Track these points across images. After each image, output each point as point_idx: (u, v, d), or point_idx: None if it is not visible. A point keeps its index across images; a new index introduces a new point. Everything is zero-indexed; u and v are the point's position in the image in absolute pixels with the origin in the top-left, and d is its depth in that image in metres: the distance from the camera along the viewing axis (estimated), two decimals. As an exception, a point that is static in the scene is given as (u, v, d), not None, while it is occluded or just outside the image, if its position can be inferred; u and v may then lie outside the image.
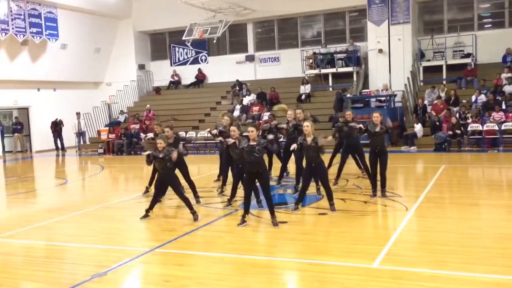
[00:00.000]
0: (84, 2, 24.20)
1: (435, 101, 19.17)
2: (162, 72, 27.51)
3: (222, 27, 22.78)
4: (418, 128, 18.34)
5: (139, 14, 26.67)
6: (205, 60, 26.86)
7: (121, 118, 25.04)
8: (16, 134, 24.05)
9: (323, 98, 22.34)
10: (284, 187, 11.06)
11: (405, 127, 19.13)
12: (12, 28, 21.77)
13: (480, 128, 17.15)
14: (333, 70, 22.83)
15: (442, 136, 17.23)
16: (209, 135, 11.03)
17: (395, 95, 20.46)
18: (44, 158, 22.47)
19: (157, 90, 27.15)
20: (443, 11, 22.41)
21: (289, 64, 24.27)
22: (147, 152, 8.50)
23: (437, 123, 17.86)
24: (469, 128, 17.29)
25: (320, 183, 9.42)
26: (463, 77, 20.49)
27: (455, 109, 18.63)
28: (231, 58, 26.09)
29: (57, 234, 8.39)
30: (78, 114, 24.34)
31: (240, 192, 9.19)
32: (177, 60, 27.52)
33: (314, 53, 23.26)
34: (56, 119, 24.05)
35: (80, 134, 24.57)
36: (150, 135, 12.55)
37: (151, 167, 10.08)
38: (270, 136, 10.53)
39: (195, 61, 27.05)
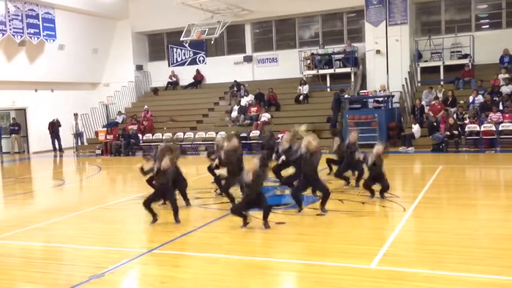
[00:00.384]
0: (81, 3, 24.19)
1: (433, 102, 19.21)
2: (160, 73, 27.49)
3: (220, 28, 22.78)
4: (415, 128, 18.36)
5: (137, 15, 26.64)
6: (203, 61, 26.86)
7: (119, 119, 25.01)
8: (13, 135, 23.98)
9: (321, 99, 22.35)
10: (282, 187, 11.03)
11: (403, 128, 19.16)
12: (10, 29, 21.74)
13: (478, 128, 17.18)
14: (331, 71, 22.84)
15: (440, 137, 17.25)
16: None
17: (392, 96, 20.49)
18: (42, 159, 22.43)
19: (155, 91, 27.13)
20: (441, 12, 22.45)
21: (287, 64, 24.28)
22: (139, 165, 8.60)
23: (435, 124, 17.90)
24: (466, 129, 17.32)
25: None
26: (460, 78, 20.53)
27: (453, 109, 18.66)
28: (229, 59, 26.08)
29: (54, 235, 8.37)
30: (75, 115, 24.30)
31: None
32: (175, 61, 27.51)
33: (312, 54, 23.27)
34: (54, 119, 24.00)
35: (78, 135, 24.54)
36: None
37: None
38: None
39: (193, 62, 27.04)
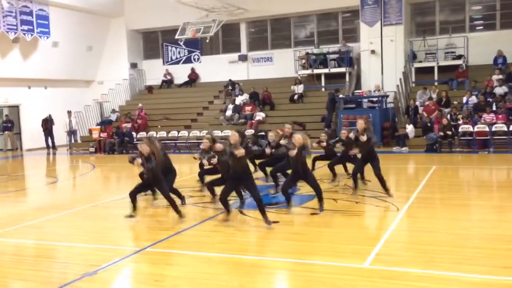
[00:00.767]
0: (75, 0, 24.08)
1: (427, 102, 19.28)
2: (154, 71, 27.42)
3: (215, 26, 22.76)
4: (409, 129, 18.43)
5: (132, 13, 26.56)
6: (198, 59, 26.82)
7: (113, 117, 24.93)
8: (6, 132, 23.87)
9: (316, 99, 22.38)
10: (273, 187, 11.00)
11: (397, 128, 19.21)
12: (3, 26, 21.62)
13: (471, 129, 17.26)
14: (326, 70, 22.87)
15: (433, 137, 17.32)
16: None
17: (387, 96, 20.55)
18: (35, 156, 22.33)
19: (150, 89, 27.06)
20: (435, 13, 22.53)
21: (282, 64, 24.29)
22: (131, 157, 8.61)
23: (429, 124, 17.96)
24: (460, 129, 17.40)
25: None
26: (454, 79, 20.62)
27: (446, 110, 18.74)
28: (224, 57, 26.06)
29: (47, 233, 8.33)
30: (69, 112, 24.20)
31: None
32: (169, 59, 27.46)
33: (307, 53, 23.29)
34: (47, 116, 23.87)
35: (71, 132, 24.44)
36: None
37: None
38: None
39: (188, 60, 27.00)
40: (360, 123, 9.52)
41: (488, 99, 18.56)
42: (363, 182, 10.78)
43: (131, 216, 8.61)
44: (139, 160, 8.31)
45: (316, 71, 23.03)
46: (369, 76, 21.95)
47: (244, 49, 25.75)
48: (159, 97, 26.37)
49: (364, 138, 9.31)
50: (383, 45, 21.62)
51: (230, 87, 24.27)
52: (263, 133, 12.31)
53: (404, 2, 21.44)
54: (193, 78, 26.57)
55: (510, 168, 14.05)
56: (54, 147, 24.02)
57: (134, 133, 22.28)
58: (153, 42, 28.13)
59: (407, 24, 22.06)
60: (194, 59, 26.91)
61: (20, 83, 23.56)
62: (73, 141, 24.47)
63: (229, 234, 7.66)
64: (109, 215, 9.47)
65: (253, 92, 23.01)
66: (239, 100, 22.95)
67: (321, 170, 12.34)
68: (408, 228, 7.95)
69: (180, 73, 26.81)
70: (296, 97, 22.44)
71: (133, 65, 27.45)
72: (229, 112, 22.40)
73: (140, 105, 24.32)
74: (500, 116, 17.42)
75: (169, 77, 27.02)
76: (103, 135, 22.34)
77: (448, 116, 17.99)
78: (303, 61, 23.36)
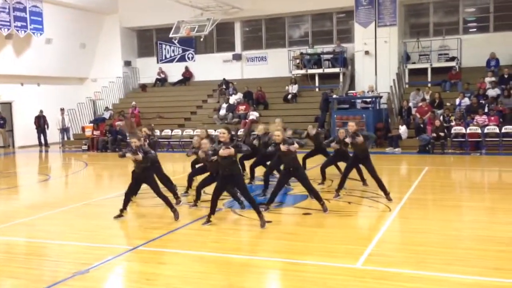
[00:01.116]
0: (70, -4, 24.00)
1: (420, 104, 19.35)
2: (148, 69, 27.34)
3: (209, 25, 22.71)
4: (402, 130, 18.49)
5: (126, 10, 26.46)
6: (192, 58, 26.77)
7: (106, 115, 24.83)
8: (-2, 129, 23.72)
9: (309, 99, 22.41)
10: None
11: (390, 129, 19.27)
12: (-4, 22, 21.49)
13: (464, 131, 17.34)
14: (320, 70, 22.90)
15: (426, 138, 17.39)
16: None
17: (380, 97, 20.62)
18: (27, 153, 22.20)
19: (143, 87, 26.98)
20: (429, 15, 22.61)
21: (276, 63, 24.30)
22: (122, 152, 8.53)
23: (422, 125, 18.04)
24: (452, 131, 17.48)
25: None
26: (447, 80, 20.71)
27: (439, 111, 18.83)
28: (218, 56, 26.03)
29: (39, 231, 8.29)
30: (62, 110, 24.09)
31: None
32: (163, 58, 27.38)
33: (301, 53, 23.31)
34: (39, 113, 23.73)
35: (64, 130, 24.32)
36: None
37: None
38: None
39: (182, 59, 26.94)
40: (351, 125, 9.53)
41: (480, 101, 18.65)
42: (363, 184, 10.81)
43: (119, 216, 8.57)
44: (129, 154, 8.27)
45: (310, 71, 23.04)
46: (363, 76, 22.01)
47: (238, 48, 25.73)
48: (153, 95, 26.29)
49: (360, 139, 9.31)
50: (377, 46, 21.68)
51: (224, 86, 24.25)
52: (255, 133, 12.31)
53: (398, 4, 21.51)
54: (187, 76, 26.52)
55: (501, 170, 14.13)
56: (46, 144, 23.90)
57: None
58: (147, 40, 28.04)
59: (401, 26, 22.13)
60: (188, 58, 26.86)
61: (13, 79, 23.41)
62: (65, 138, 24.35)
63: (221, 233, 7.66)
64: (102, 213, 9.44)
65: (247, 91, 23.00)
66: (233, 99, 22.93)
67: (313, 170, 12.35)
68: (400, 228, 7.98)
69: (174, 72, 26.75)
70: (290, 96, 22.46)
71: (127, 63, 27.36)
72: (222, 111, 22.38)
73: (133, 103, 24.24)
74: (492, 118, 17.52)
75: (163, 76, 26.94)
76: (96, 133, 22.26)
77: (441, 118, 18.07)
78: (297, 61, 23.38)
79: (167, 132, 21.90)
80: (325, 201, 8.78)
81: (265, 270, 6.13)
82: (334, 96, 20.76)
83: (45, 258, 6.89)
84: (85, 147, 22.30)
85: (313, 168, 12.53)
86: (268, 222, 7.97)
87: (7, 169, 17.11)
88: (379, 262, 6.09)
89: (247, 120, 21.06)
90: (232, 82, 24.20)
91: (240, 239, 7.63)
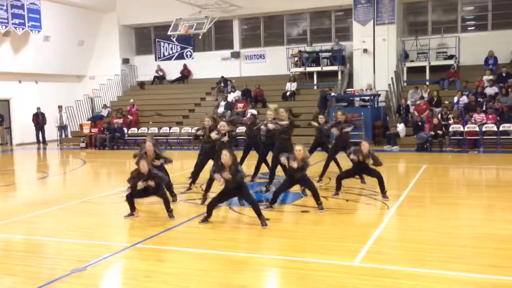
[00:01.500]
0: (68, -6, 23.94)
1: (418, 102, 19.37)
2: (146, 67, 27.30)
3: (208, 23, 22.69)
4: (400, 128, 18.50)
5: (124, 8, 26.42)
6: (190, 55, 26.73)
7: (104, 113, 24.81)
8: (-4, 126, 23.69)
9: (308, 96, 22.41)
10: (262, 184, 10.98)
11: (388, 127, 19.30)
12: (-6, 19, 21.44)
13: (461, 129, 17.37)
14: (318, 68, 22.90)
15: (424, 136, 17.42)
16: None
17: (378, 95, 20.64)
18: (25, 151, 22.17)
19: (141, 85, 26.95)
20: (428, 13, 22.62)
21: (275, 61, 24.29)
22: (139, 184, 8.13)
23: (420, 123, 18.06)
24: (450, 129, 17.50)
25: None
26: (445, 78, 20.73)
27: (437, 110, 18.84)
28: (216, 54, 26.01)
29: (37, 228, 8.28)
30: (60, 107, 24.06)
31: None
32: (162, 55, 27.33)
33: (300, 51, 23.30)
34: (37, 111, 23.69)
35: (62, 127, 24.29)
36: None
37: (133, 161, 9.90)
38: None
39: (180, 57, 26.89)
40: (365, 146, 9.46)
41: (478, 99, 18.68)
42: (361, 182, 10.82)
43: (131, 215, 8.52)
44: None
45: (308, 69, 23.05)
46: (361, 74, 22.01)
47: (236, 46, 25.71)
48: (151, 93, 26.26)
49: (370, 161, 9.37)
50: (375, 44, 21.68)
51: (222, 84, 24.23)
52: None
53: (397, 2, 21.50)
54: (185, 74, 26.50)
55: (499, 168, 14.16)
56: (44, 142, 23.87)
57: (125, 129, 22.19)
58: (146, 38, 28.00)
59: (399, 24, 22.13)
60: (187, 56, 26.82)
61: (11, 77, 23.36)
62: (63, 136, 24.33)
63: (220, 230, 7.66)
64: (100, 210, 9.44)
65: (245, 89, 22.99)
66: (231, 97, 22.92)
67: (312, 168, 12.34)
68: (398, 226, 7.99)
69: (172, 69, 26.74)
70: (288, 94, 22.45)
71: (125, 61, 27.31)
72: (221, 109, 22.36)
73: (131, 100, 24.22)
74: (490, 116, 17.54)
75: (161, 73, 26.91)
76: (94, 130, 22.24)
77: (439, 116, 18.09)
78: (296, 59, 23.38)
79: (165, 129, 21.88)
80: (324, 198, 8.81)
81: (264, 268, 6.14)
82: (333, 94, 20.77)
83: (43, 256, 6.88)
84: (83, 144, 22.27)
85: (313, 165, 12.52)
86: (267, 219, 7.97)
87: (5, 167, 17.07)
88: (377, 260, 6.10)
89: (245, 118, 21.04)
90: (230, 80, 24.18)
91: (238, 236, 7.63)
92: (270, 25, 25.38)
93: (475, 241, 6.88)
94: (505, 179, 12.91)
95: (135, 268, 6.21)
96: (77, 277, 5.78)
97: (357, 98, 20.69)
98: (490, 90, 19.06)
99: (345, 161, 10.87)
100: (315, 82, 23.10)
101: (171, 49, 27.02)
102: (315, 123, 11.62)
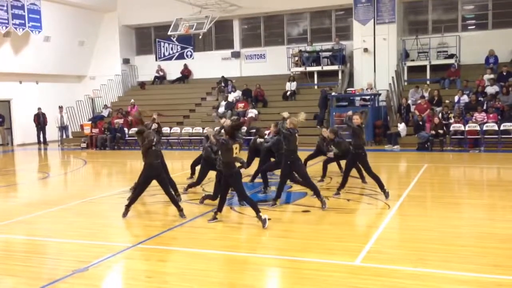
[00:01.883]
0: (68, -6, 23.94)
1: (419, 101, 19.36)
2: (147, 67, 27.30)
3: (208, 23, 22.68)
4: (401, 127, 18.49)
5: (124, 8, 26.43)
6: (191, 55, 26.73)
7: (105, 113, 24.81)
8: (-3, 127, 23.69)
9: (308, 96, 22.40)
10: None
11: (389, 126, 19.28)
12: (-5, 19, 21.45)
13: (462, 128, 17.36)
14: (319, 68, 22.89)
15: (425, 136, 17.41)
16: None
17: (379, 94, 20.62)
18: (26, 151, 22.18)
19: (142, 85, 26.95)
20: (428, 12, 22.60)
21: (275, 61, 24.28)
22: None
23: (420, 123, 18.05)
24: (451, 128, 17.49)
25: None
26: (446, 78, 20.71)
27: (438, 109, 18.83)
28: (216, 54, 26.01)
29: (38, 228, 8.29)
30: (60, 107, 24.06)
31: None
32: (162, 55, 27.33)
33: (300, 51, 23.30)
34: (38, 111, 23.69)
35: (63, 128, 24.30)
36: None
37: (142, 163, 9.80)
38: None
39: (181, 57, 26.90)
40: (356, 118, 9.50)
41: (479, 99, 18.67)
42: (362, 181, 10.82)
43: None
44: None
45: (309, 68, 23.04)
46: (361, 74, 22.00)
47: (237, 46, 25.71)
48: (152, 93, 26.26)
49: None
50: (375, 43, 21.67)
51: (222, 84, 24.23)
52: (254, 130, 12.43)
53: (397, 1, 21.49)
54: (186, 74, 26.50)
55: (500, 167, 14.16)
56: (45, 142, 23.88)
57: (126, 129, 22.19)
58: (146, 38, 28.00)
59: (400, 23, 22.11)
60: (187, 56, 26.82)
61: (11, 77, 23.37)
62: (64, 136, 24.33)
63: (221, 231, 7.66)
64: (101, 211, 9.44)
65: (246, 89, 22.99)
66: (231, 97, 22.92)
67: (313, 167, 12.35)
68: (399, 226, 7.99)
69: (173, 69, 26.74)
70: (288, 94, 22.45)
71: (126, 61, 27.32)
72: (221, 109, 22.36)
73: (132, 101, 24.22)
74: (491, 115, 17.53)
75: (161, 73, 26.91)
76: (95, 130, 22.24)
77: (440, 115, 18.08)
78: (296, 58, 23.37)
79: (166, 130, 21.84)
80: (326, 198, 8.81)
81: (265, 268, 6.14)
82: (333, 93, 20.76)
83: (44, 256, 6.89)
84: (83, 145, 22.28)
85: (313, 165, 12.52)
86: (268, 219, 7.97)
87: (6, 167, 17.08)
88: (378, 259, 6.10)
89: (246, 118, 21.05)
90: (231, 80, 24.18)
91: (239, 236, 7.64)
92: (271, 24, 25.37)
93: (477, 240, 6.88)
94: (506, 178, 12.91)
95: (136, 268, 6.21)
96: (79, 277, 5.78)
97: (358, 98, 20.68)
98: (491, 89, 19.04)
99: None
100: (315, 81, 23.09)
101: (172, 49, 27.02)
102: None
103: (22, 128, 24.19)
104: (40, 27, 23.48)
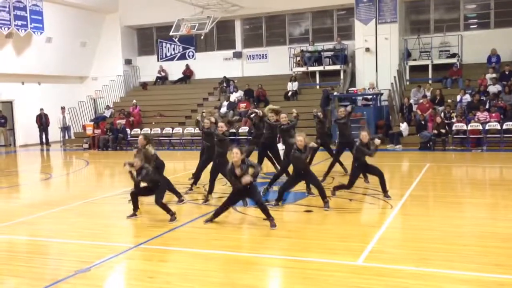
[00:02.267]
0: (70, -5, 23.98)
1: (421, 100, 19.34)
2: (149, 68, 27.34)
3: (209, 23, 22.67)
4: (403, 127, 18.47)
5: (126, 9, 26.46)
6: (193, 56, 26.75)
7: (107, 113, 24.84)
8: (-1, 128, 23.74)
9: (310, 96, 22.39)
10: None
11: (391, 126, 19.26)
12: (-3, 21, 21.49)
13: (465, 127, 17.33)
14: (321, 68, 22.89)
15: (427, 135, 17.38)
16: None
17: (381, 94, 20.60)
18: (28, 152, 22.23)
19: (144, 85, 26.98)
20: (430, 11, 22.58)
21: (277, 61, 24.28)
22: (129, 169, 8.16)
23: (423, 122, 18.02)
24: (453, 128, 17.46)
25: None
26: (448, 77, 20.69)
27: (440, 108, 18.81)
28: (218, 54, 26.02)
29: (40, 229, 8.30)
30: (63, 108, 24.10)
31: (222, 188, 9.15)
32: (164, 56, 27.36)
33: (302, 51, 23.29)
34: (41, 112, 23.73)
35: (65, 128, 24.35)
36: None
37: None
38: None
39: (183, 57, 26.93)
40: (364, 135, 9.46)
41: (481, 98, 18.64)
42: (365, 181, 10.80)
43: (134, 215, 8.52)
44: (128, 168, 8.13)
45: (310, 68, 23.03)
46: (363, 73, 21.99)
47: (239, 46, 25.71)
48: (154, 93, 26.28)
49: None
50: (377, 43, 21.66)
51: (224, 84, 24.24)
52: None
53: (399, 0, 21.47)
54: (188, 74, 26.51)
55: (503, 166, 14.12)
56: (47, 143, 23.93)
57: (128, 130, 22.22)
58: (148, 39, 28.03)
59: (401, 22, 22.09)
60: (189, 56, 26.84)
61: (14, 78, 23.42)
62: (66, 137, 24.38)
63: (223, 231, 7.66)
64: (103, 211, 9.45)
65: (247, 89, 22.99)
66: (233, 97, 22.93)
67: (317, 166, 12.34)
68: (401, 225, 7.98)
69: (175, 70, 26.76)
70: (290, 94, 22.44)
71: (128, 61, 27.35)
72: (223, 109, 22.37)
73: (134, 101, 24.26)
74: (493, 114, 17.50)
75: (163, 74, 26.93)
76: (97, 131, 22.28)
77: (442, 114, 18.06)
78: (298, 58, 23.37)
79: (168, 130, 21.89)
80: (328, 198, 8.81)
81: (267, 268, 6.14)
82: (335, 93, 20.75)
83: (46, 257, 6.90)
84: (86, 145, 22.31)
85: (316, 164, 12.51)
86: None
87: (8, 168, 17.12)
88: (381, 259, 6.09)
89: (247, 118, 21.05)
90: (232, 80, 24.19)
91: (241, 236, 7.64)
92: (272, 24, 25.37)
93: (479, 240, 6.86)
94: (508, 177, 12.88)
95: (138, 268, 6.22)
96: (81, 277, 5.79)
97: (360, 97, 20.67)
98: (493, 88, 19.01)
99: (348, 160, 10.85)
100: (317, 81, 23.09)
101: (173, 49, 27.04)
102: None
103: (25, 129, 24.24)
104: (42, 28, 23.53)
